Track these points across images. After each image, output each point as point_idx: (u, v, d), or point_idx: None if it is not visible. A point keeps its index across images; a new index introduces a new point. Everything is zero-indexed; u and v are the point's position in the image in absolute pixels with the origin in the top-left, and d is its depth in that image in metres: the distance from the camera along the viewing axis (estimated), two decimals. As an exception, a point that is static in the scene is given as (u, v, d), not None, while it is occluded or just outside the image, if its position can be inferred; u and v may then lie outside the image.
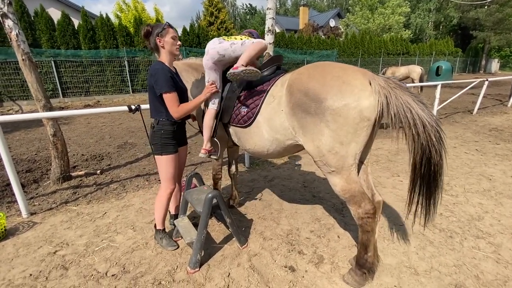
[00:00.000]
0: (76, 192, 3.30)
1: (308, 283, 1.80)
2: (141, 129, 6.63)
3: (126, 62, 11.76)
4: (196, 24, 16.31)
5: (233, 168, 2.75)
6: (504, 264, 1.94)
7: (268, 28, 3.67)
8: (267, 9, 3.64)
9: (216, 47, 1.98)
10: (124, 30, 11.60)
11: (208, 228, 2.37)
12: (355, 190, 1.61)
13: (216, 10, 15.23)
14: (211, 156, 2.26)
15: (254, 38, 2.27)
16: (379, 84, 1.47)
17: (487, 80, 7.61)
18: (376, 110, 1.47)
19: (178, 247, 2.20)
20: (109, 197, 3.20)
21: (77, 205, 2.99)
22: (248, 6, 65.40)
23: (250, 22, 50.96)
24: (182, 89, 2.07)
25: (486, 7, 26.11)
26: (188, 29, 13.05)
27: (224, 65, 2.09)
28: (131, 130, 6.51)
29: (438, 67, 16.17)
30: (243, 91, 2.04)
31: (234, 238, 2.23)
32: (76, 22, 11.39)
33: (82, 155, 4.71)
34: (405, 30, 26.47)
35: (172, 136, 2.02)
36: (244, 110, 1.94)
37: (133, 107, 3.05)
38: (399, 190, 3.15)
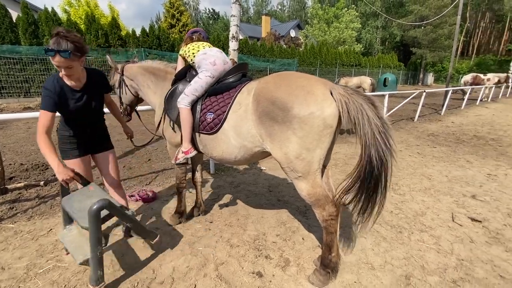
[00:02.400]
0: (13, 208, 2.88)
1: (276, 287, 1.83)
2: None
3: (75, 62, 10.75)
4: (156, 26, 15.67)
5: (197, 175, 2.68)
6: (444, 254, 2.20)
7: (233, 34, 3.70)
8: (231, 16, 3.68)
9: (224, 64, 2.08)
10: (74, 27, 10.64)
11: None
12: (320, 193, 1.70)
13: (177, 13, 14.87)
14: (186, 158, 2.12)
15: (203, 38, 2.36)
16: (339, 93, 1.58)
17: (424, 91, 8.67)
18: (337, 117, 1.57)
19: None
20: (55, 211, 2.86)
21: (15, 222, 2.61)
22: (211, 11, 65.16)
23: (213, 27, 50.75)
24: (83, 106, 1.89)
25: (422, 27, 29.92)
26: (147, 30, 12.48)
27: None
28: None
29: (385, 79, 17.95)
30: (208, 97, 2.02)
31: (201, 248, 2.16)
32: (14, 14, 10.10)
33: (21, 164, 4.15)
34: (357, 44, 28.95)
35: (69, 141, 1.96)
36: (210, 116, 1.92)
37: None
38: (356, 191, 3.39)
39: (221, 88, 1.97)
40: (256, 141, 1.79)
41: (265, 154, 1.94)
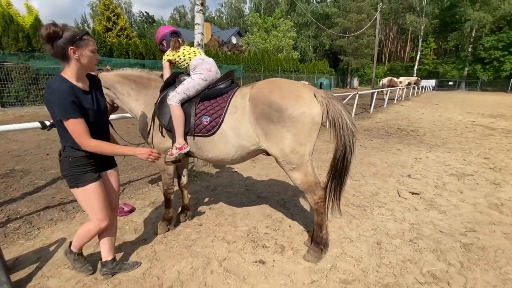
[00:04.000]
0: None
1: (279, 270, 2.04)
2: (29, 151, 5.29)
3: (-13, 68, 9.01)
4: (82, 27, 14.17)
5: (183, 180, 2.70)
6: (399, 221, 2.74)
7: (198, 42, 3.80)
8: (196, 24, 3.78)
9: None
10: (-17, 28, 8.92)
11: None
12: (311, 181, 1.99)
13: (114, 16, 13.75)
14: (180, 153, 2.12)
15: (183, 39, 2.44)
16: (321, 96, 1.91)
17: (357, 93, 10.05)
18: (321, 116, 1.89)
19: (94, 272, 1.99)
20: (13, 239, 2.50)
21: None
22: (145, 14, 61.69)
23: (150, 31, 48.07)
24: (97, 110, 1.69)
25: (346, 38, 34.15)
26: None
27: None
28: (16, 154, 5.11)
29: (321, 83, 19.95)
30: (201, 102, 2.12)
31: (199, 249, 2.22)
32: None
33: None
34: (294, 52, 31.34)
35: (86, 162, 1.66)
36: (206, 119, 2.03)
37: (47, 122, 2.57)
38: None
39: (214, 93, 2.11)
40: (253, 140, 1.99)
41: (258, 152, 2.14)
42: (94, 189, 1.68)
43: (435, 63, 40.64)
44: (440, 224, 2.69)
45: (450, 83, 35.97)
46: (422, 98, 20.67)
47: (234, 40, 31.02)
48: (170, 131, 2.16)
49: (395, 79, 20.00)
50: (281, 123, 1.85)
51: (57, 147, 5.61)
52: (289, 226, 2.67)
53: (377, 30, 11.98)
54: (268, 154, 2.15)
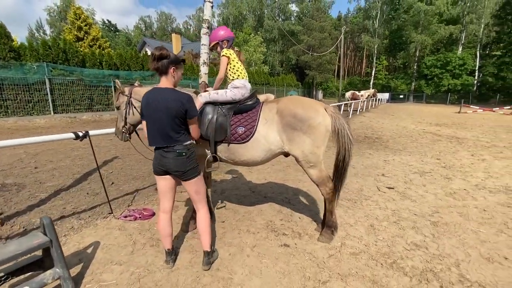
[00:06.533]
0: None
1: (302, 250, 2.50)
2: (13, 165, 5.09)
3: None
4: (37, 34, 13.39)
5: (207, 181, 3.05)
6: (383, 209, 3.40)
7: (204, 60, 4.23)
8: (202, 45, 4.22)
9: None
10: None
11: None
12: (324, 176, 2.52)
13: (85, 25, 13.31)
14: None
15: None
16: (330, 110, 2.49)
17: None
18: (331, 125, 2.47)
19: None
20: (44, 246, 2.60)
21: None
22: (107, 22, 59.39)
23: (115, 41, 46.27)
24: None
25: (311, 54, 36.74)
26: (50, 43, 10.76)
27: None
28: None
29: (291, 96, 21.18)
30: (234, 115, 2.55)
31: (230, 240, 2.59)
32: None
33: None
34: (264, 66, 32.74)
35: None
36: (241, 129, 2.46)
37: (80, 133, 2.80)
38: (313, 183, 4.43)
39: (245, 108, 2.56)
40: (279, 144, 2.47)
41: (280, 154, 2.62)
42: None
43: (387, 78, 45.40)
44: (413, 209, 3.40)
45: (401, 96, 40.39)
46: (380, 109, 23.02)
47: (204, 53, 31.40)
48: (207, 140, 2.54)
49: (357, 92, 22.07)
50: (303, 131, 2.37)
51: (41, 161, 5.48)
52: (299, 218, 3.16)
53: (341, 49, 13.42)
54: (286, 155, 2.66)
